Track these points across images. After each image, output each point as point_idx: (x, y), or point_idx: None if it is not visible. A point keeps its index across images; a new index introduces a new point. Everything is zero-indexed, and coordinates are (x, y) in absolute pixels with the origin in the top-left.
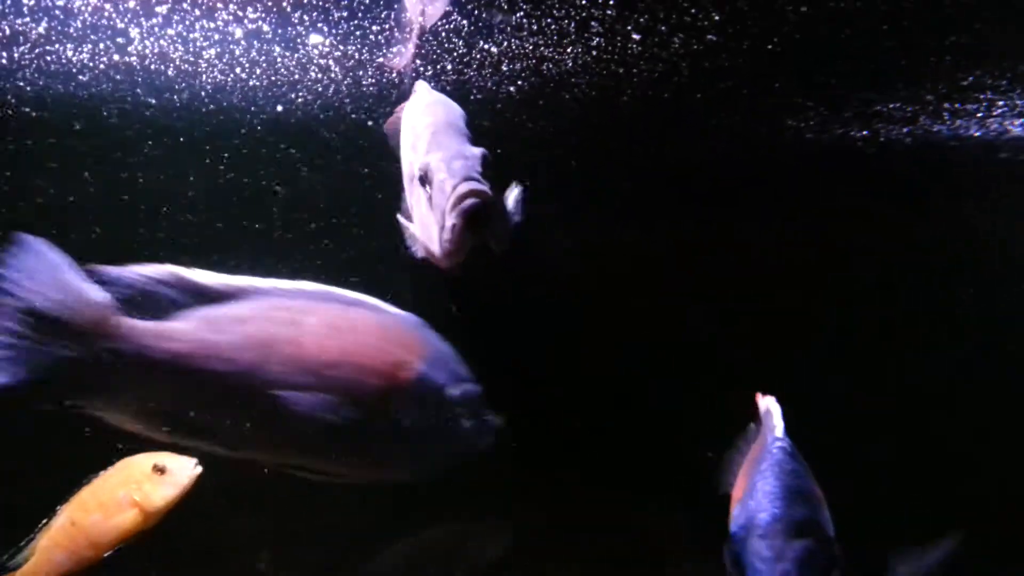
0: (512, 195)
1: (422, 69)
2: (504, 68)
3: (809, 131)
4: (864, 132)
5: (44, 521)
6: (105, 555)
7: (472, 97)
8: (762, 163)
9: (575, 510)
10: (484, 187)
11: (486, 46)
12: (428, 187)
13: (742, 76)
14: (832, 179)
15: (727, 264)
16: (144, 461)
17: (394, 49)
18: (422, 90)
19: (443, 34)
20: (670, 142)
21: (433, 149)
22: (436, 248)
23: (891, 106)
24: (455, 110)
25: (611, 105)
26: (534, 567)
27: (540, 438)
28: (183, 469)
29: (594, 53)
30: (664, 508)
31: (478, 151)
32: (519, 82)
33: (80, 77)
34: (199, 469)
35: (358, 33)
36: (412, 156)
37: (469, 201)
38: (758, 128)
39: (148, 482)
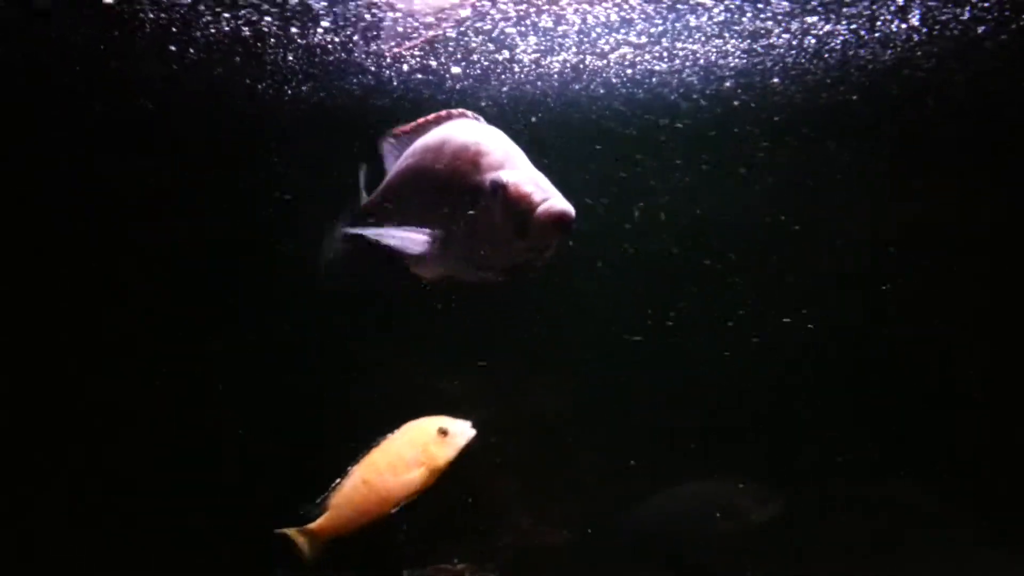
0: None
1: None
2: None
3: None
4: None
5: (337, 480)
6: (390, 511)
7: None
8: None
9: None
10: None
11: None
12: (498, 201)
13: None
14: None
15: None
16: (429, 424)
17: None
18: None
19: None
20: None
21: (509, 168)
22: (503, 255)
23: None
24: None
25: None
26: (799, 533)
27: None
28: (462, 432)
29: None
30: (915, 482)
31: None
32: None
33: None
34: (474, 432)
35: None
36: (471, 173)
37: (562, 208)
38: None
39: (433, 444)
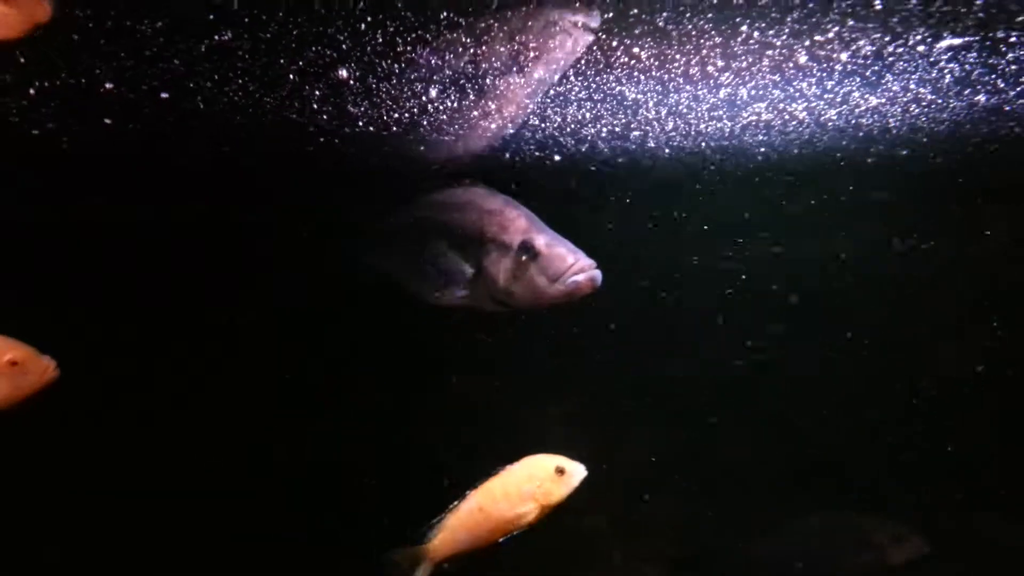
0: None
1: None
2: None
3: None
4: None
5: (455, 503)
6: (499, 541)
7: None
8: None
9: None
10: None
11: None
12: (531, 257)
13: None
14: None
15: None
16: (547, 462)
17: None
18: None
19: None
20: None
21: (536, 232)
22: (532, 298)
23: None
24: None
25: None
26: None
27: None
28: (577, 472)
29: None
30: None
31: None
32: None
33: None
34: (586, 472)
35: None
36: (500, 233)
37: (595, 272)
38: None
39: (550, 481)
